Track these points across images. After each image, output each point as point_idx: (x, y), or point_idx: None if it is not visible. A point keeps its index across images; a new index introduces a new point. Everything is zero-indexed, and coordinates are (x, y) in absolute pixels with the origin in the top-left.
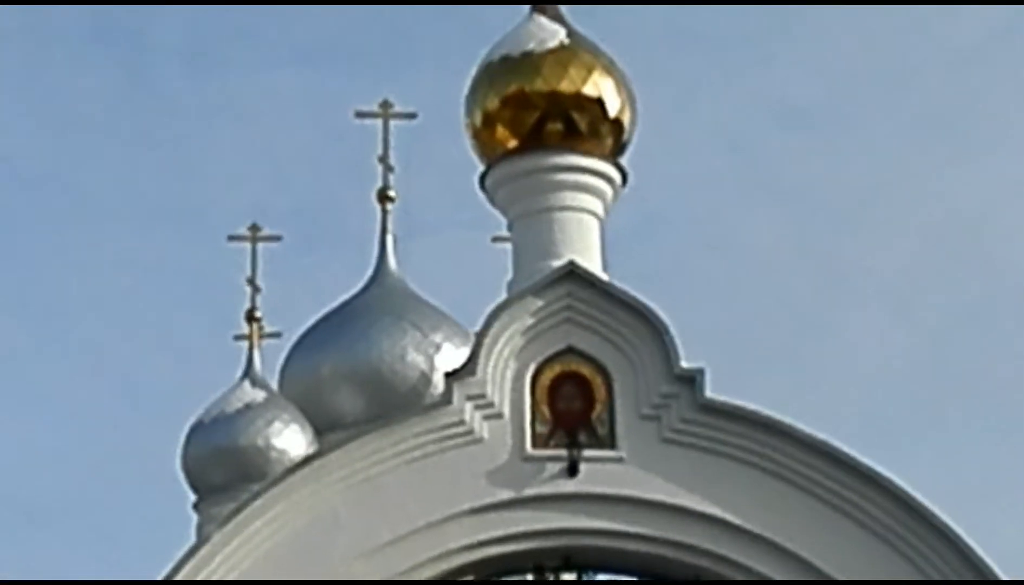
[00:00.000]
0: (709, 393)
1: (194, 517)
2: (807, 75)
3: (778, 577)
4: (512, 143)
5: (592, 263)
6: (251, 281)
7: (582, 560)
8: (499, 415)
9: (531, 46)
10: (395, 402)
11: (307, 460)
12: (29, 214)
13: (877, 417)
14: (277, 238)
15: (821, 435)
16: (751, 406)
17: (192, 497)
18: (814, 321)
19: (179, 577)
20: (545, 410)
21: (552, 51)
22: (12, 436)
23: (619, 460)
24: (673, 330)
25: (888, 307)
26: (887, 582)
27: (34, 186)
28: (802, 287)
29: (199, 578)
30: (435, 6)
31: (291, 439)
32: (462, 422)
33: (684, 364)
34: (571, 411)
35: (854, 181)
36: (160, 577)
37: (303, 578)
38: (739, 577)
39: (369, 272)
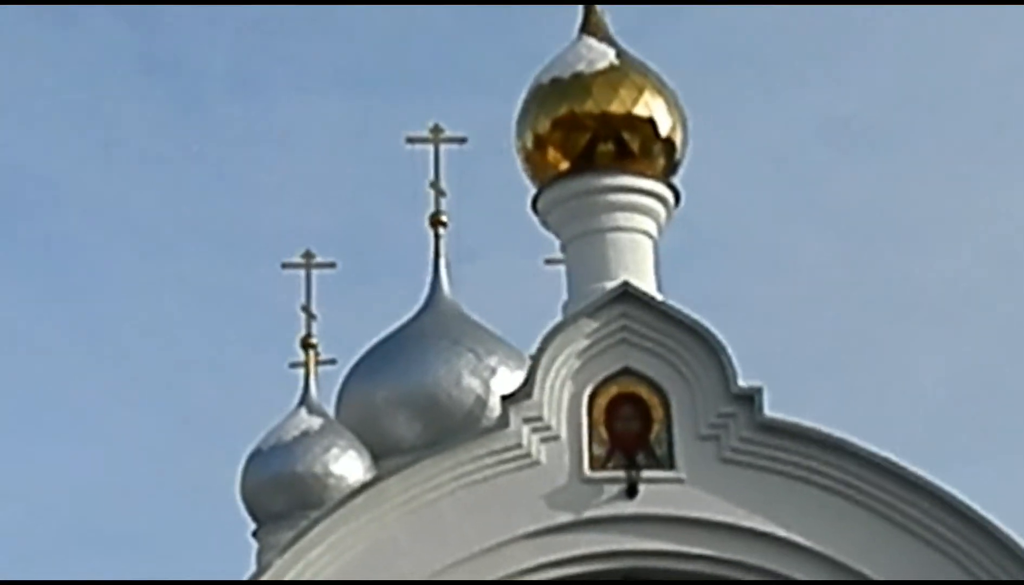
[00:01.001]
0: (767, 412)
1: (254, 545)
2: (855, 92)
3: None
4: (563, 165)
5: (646, 283)
6: (306, 308)
7: (642, 581)
8: (556, 437)
9: (581, 68)
10: (451, 426)
11: (365, 486)
12: (83, 244)
13: (935, 433)
14: (331, 265)
15: (880, 451)
16: (809, 424)
17: (252, 525)
18: (868, 338)
19: None
20: (602, 431)
21: (602, 72)
22: (72, 467)
23: (678, 481)
24: (729, 349)
25: (942, 321)
26: None
27: (88, 216)
28: (855, 304)
29: None
30: (483, 29)
31: (349, 465)
32: (519, 445)
33: (741, 383)
34: (629, 432)
35: (905, 196)
36: None
37: None
38: None
39: (423, 297)
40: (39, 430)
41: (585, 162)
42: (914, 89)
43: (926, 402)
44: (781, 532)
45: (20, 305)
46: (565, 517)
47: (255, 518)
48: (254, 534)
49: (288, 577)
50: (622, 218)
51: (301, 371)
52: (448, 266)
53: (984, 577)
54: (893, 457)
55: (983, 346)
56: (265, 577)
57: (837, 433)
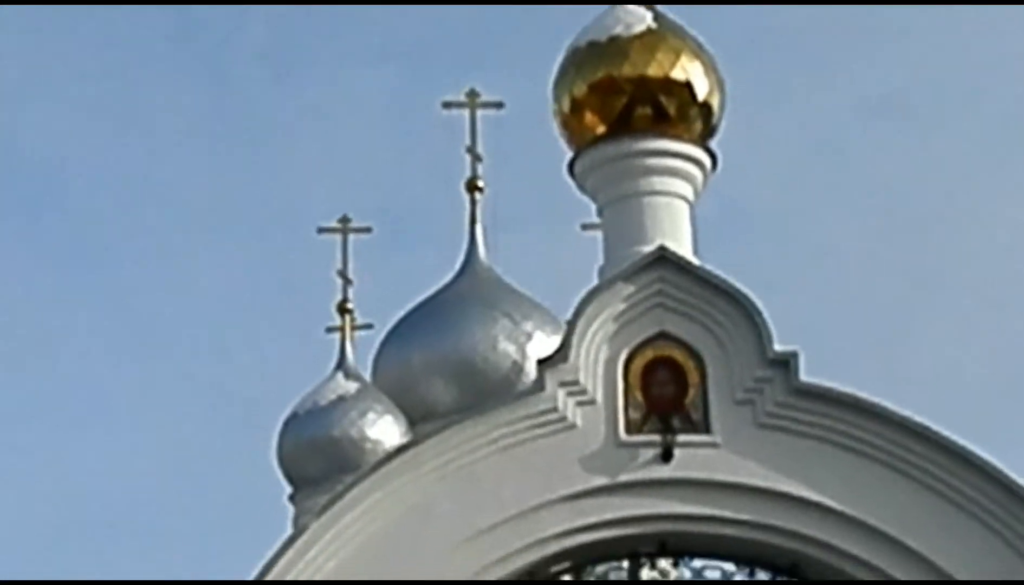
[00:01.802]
0: (803, 377)
1: (290, 509)
2: (896, 69)
3: (875, 561)
4: (600, 129)
5: (683, 248)
6: (342, 273)
7: (677, 546)
8: (592, 401)
9: (618, 31)
10: (487, 391)
11: (400, 450)
12: (120, 213)
13: (973, 401)
14: (367, 230)
15: (917, 418)
16: (846, 389)
17: (288, 489)
18: (906, 307)
19: (276, 568)
20: (638, 396)
21: (639, 35)
22: (110, 433)
23: (714, 445)
24: (765, 314)
25: (983, 292)
26: (985, 565)
27: (122, 184)
28: (893, 274)
29: (296, 569)
30: None
31: (385, 430)
32: (555, 409)
33: (777, 348)
34: (664, 396)
35: (944, 170)
36: (258, 569)
37: (399, 567)
38: (836, 561)
39: (459, 262)
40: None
41: (622, 126)
42: (954, 68)
43: (965, 373)
44: (816, 497)
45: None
46: (600, 481)
47: (291, 482)
48: (291, 498)
49: (324, 540)
50: (659, 182)
51: (337, 336)
52: (484, 231)
53: (1016, 543)
54: (929, 423)
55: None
56: (300, 541)
57: (874, 399)
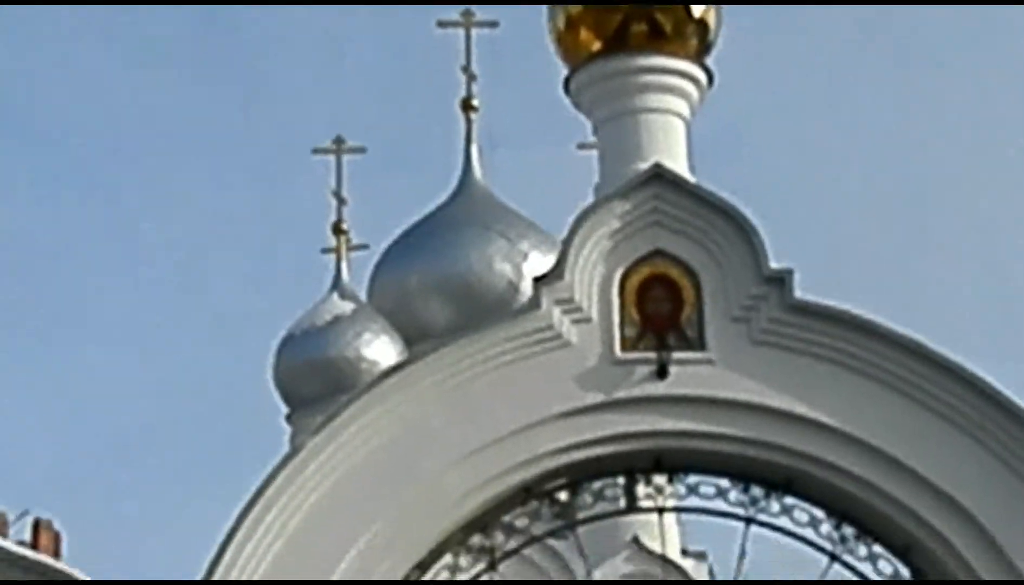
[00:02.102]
0: (798, 294)
1: (287, 429)
2: None
3: (869, 476)
4: (596, 46)
5: (679, 165)
6: (337, 194)
7: (672, 462)
8: (587, 319)
9: None
10: (483, 311)
11: (397, 368)
12: (117, 137)
13: (967, 319)
14: (362, 150)
15: (913, 334)
16: (841, 306)
17: (285, 409)
18: (901, 225)
19: (273, 486)
20: (634, 313)
21: None
22: (110, 355)
23: (709, 362)
24: (761, 231)
25: (977, 212)
26: (979, 480)
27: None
28: (887, 193)
29: (293, 487)
30: None
31: (381, 350)
32: (551, 327)
33: (773, 265)
34: (660, 314)
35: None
36: (254, 487)
37: (395, 485)
38: (830, 477)
39: (455, 182)
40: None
41: (617, 43)
42: None
43: (960, 290)
44: (811, 413)
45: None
46: (595, 398)
47: (288, 402)
48: (287, 418)
49: (321, 457)
50: (654, 99)
51: (332, 257)
52: (479, 151)
53: (1018, 465)
54: (925, 340)
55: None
56: (297, 458)
57: (868, 316)
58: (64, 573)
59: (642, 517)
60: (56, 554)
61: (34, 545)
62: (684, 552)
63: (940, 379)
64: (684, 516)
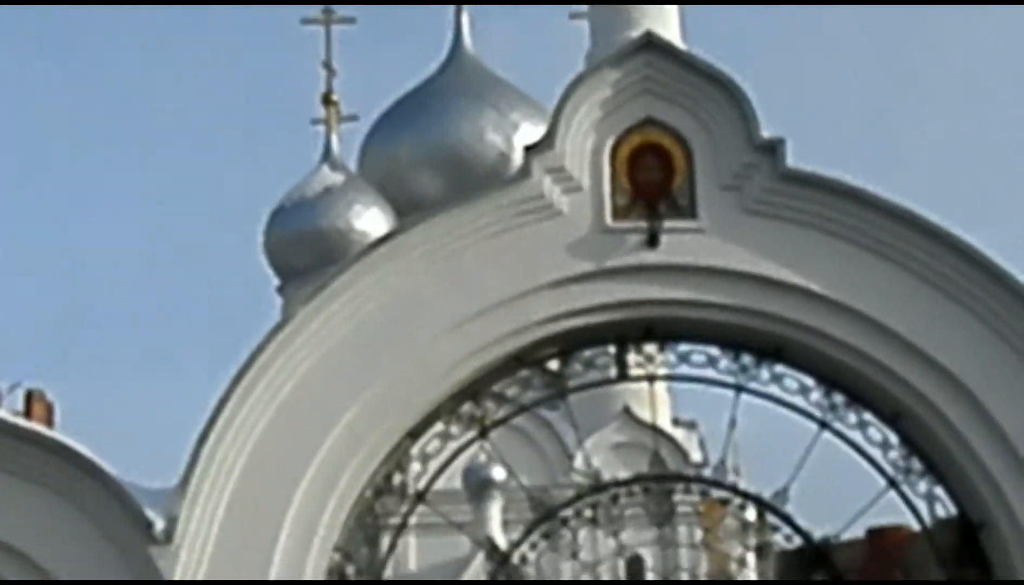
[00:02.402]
0: (790, 163)
1: (279, 301)
2: None
3: (858, 344)
4: None
5: (670, 33)
6: (326, 64)
7: (663, 330)
8: (578, 188)
9: None
10: (474, 182)
11: (387, 237)
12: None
13: (959, 189)
14: (351, 20)
15: (903, 202)
16: (832, 174)
17: (276, 281)
18: (893, 95)
19: (264, 355)
20: (625, 182)
21: None
22: (103, 226)
23: (699, 231)
24: (752, 100)
25: (969, 80)
26: (968, 348)
27: None
28: (881, 62)
29: (283, 356)
30: None
31: (372, 221)
32: (541, 196)
33: (764, 134)
34: (651, 182)
35: None
36: (246, 356)
37: (386, 354)
38: (820, 345)
39: (445, 52)
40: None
41: None
42: None
43: (951, 161)
44: (801, 281)
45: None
46: (586, 267)
47: (279, 274)
48: (279, 290)
49: (312, 326)
50: None
51: (322, 128)
52: (470, 21)
53: (996, 324)
54: (916, 208)
55: (1010, 108)
56: (288, 327)
57: (859, 184)
58: (58, 441)
59: (633, 387)
60: (49, 424)
61: (27, 415)
62: (675, 422)
63: (932, 247)
64: (675, 386)
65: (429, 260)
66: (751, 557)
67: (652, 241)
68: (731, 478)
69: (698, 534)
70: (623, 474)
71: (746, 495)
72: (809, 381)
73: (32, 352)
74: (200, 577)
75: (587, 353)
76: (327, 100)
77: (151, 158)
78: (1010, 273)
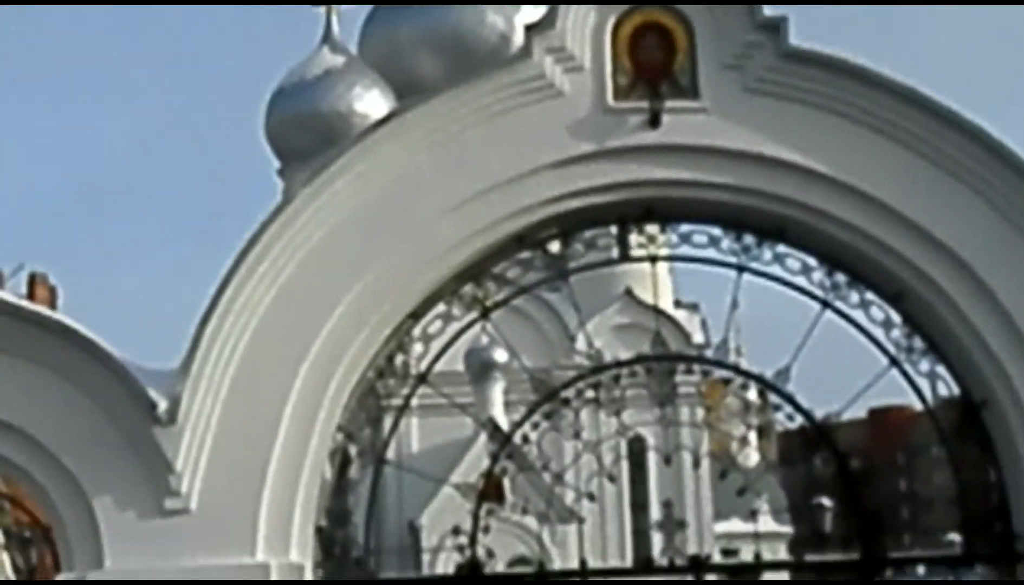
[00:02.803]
0: (793, 41)
1: (279, 184)
2: None
3: (861, 224)
4: None
5: None
6: None
7: (665, 211)
8: (579, 68)
9: None
10: (475, 63)
11: (388, 118)
12: None
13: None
14: None
15: (908, 82)
16: (835, 53)
17: (277, 164)
18: None
19: (264, 238)
20: (626, 61)
21: None
22: (106, 109)
23: (702, 110)
24: None
25: None
26: (972, 228)
27: None
28: None
29: (284, 239)
30: None
31: (372, 103)
32: (542, 76)
33: (767, 12)
34: (652, 62)
35: None
36: (247, 238)
37: (387, 236)
38: (822, 225)
39: None
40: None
41: None
42: None
43: (957, 41)
44: (804, 161)
45: None
46: (587, 147)
47: (280, 157)
48: (279, 173)
49: (312, 208)
50: None
51: (323, 10)
52: None
53: (1009, 210)
54: (921, 88)
55: None
56: (288, 209)
57: (863, 63)
58: (61, 323)
59: (635, 269)
60: (52, 308)
61: (30, 299)
62: (677, 304)
63: (935, 126)
64: (677, 269)
65: (430, 141)
66: (753, 437)
67: (654, 121)
68: (733, 359)
69: (700, 414)
70: (625, 355)
71: (748, 375)
72: (811, 261)
73: (35, 236)
74: (204, 457)
75: (588, 234)
76: None
77: (152, 41)
78: (1014, 151)
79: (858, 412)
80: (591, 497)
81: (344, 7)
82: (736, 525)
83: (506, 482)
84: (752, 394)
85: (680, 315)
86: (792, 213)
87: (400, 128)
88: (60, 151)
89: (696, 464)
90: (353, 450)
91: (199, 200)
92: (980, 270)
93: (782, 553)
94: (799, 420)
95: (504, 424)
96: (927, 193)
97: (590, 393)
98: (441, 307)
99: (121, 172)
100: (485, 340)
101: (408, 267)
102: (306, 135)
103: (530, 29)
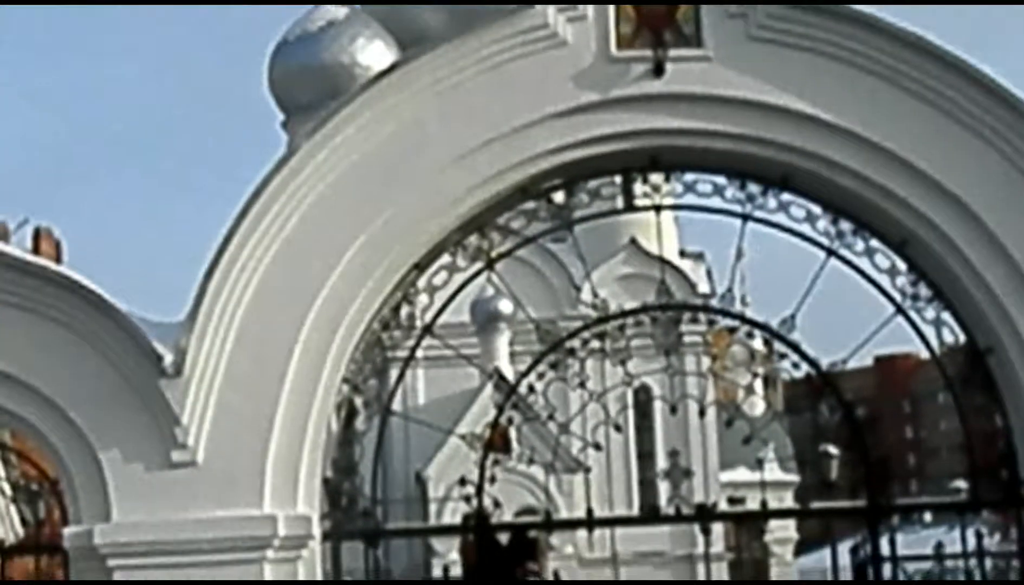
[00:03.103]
0: None
1: (284, 136)
2: None
3: (867, 172)
4: None
5: None
6: None
7: (669, 160)
8: (582, 17)
9: None
10: (478, 15)
11: (391, 69)
12: None
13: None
14: None
15: (915, 29)
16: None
17: (281, 117)
18: None
19: (268, 189)
20: (629, 10)
21: None
22: (108, 62)
23: (705, 59)
24: None
25: None
26: (976, 170)
27: None
28: None
29: (288, 190)
30: None
31: (375, 54)
32: (546, 25)
33: None
34: (656, 11)
35: None
36: (250, 190)
37: (391, 186)
38: (827, 173)
39: None
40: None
41: None
42: None
43: None
44: (809, 109)
45: None
46: (591, 96)
47: (284, 109)
48: (283, 125)
49: (316, 159)
50: None
51: None
52: None
53: (1015, 156)
54: (929, 36)
55: None
56: (292, 160)
57: (869, 10)
58: (66, 276)
59: (640, 219)
60: (57, 262)
61: (35, 253)
62: (682, 253)
63: (939, 72)
64: (682, 219)
65: (433, 92)
66: (759, 385)
67: (658, 70)
68: (738, 308)
69: (706, 363)
70: (630, 305)
71: (753, 323)
72: (816, 209)
73: (39, 190)
74: (210, 410)
75: (593, 184)
76: None
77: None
78: (1019, 97)
79: (864, 360)
80: (597, 447)
81: None
82: (742, 474)
83: (512, 432)
84: (758, 343)
85: (685, 265)
86: (797, 161)
87: (403, 79)
88: (64, 103)
89: (702, 413)
90: (359, 402)
91: (204, 153)
92: (986, 217)
93: (788, 501)
94: (805, 368)
95: (510, 375)
96: (933, 140)
97: (595, 343)
98: (446, 258)
99: (125, 126)
100: (490, 291)
101: (412, 218)
102: (309, 87)
103: None
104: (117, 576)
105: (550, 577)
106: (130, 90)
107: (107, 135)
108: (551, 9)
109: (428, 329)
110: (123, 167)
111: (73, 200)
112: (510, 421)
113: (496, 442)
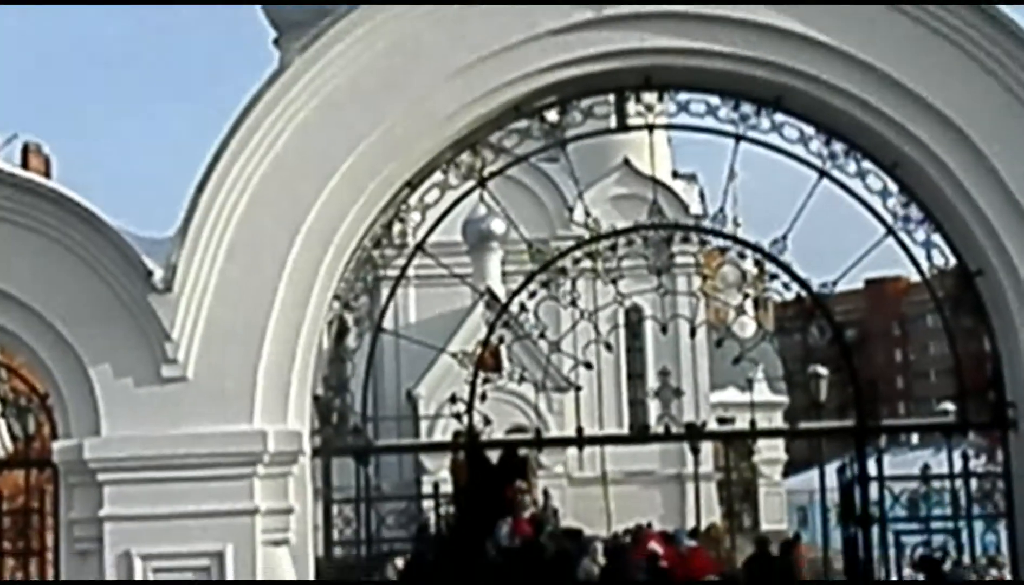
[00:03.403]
0: None
1: (276, 53)
2: None
3: (861, 93)
4: None
5: None
6: None
7: (663, 79)
8: None
9: None
10: None
11: None
12: None
13: None
14: None
15: None
16: None
17: (273, 35)
18: None
19: (259, 105)
20: None
21: None
22: None
23: None
24: None
25: None
26: (968, 93)
27: None
28: None
29: (279, 106)
30: None
31: None
32: None
33: None
34: None
35: None
36: (241, 106)
37: (384, 103)
38: (821, 93)
39: None
40: None
41: None
42: None
43: None
44: (803, 29)
45: None
46: (586, 14)
47: (276, 27)
48: (275, 43)
49: (308, 75)
50: None
51: None
52: None
53: (1008, 79)
54: None
55: None
56: (284, 76)
57: None
58: (56, 190)
59: (633, 140)
60: (47, 177)
61: (24, 168)
62: (675, 174)
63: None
64: (675, 140)
65: (427, 8)
66: (749, 306)
67: None
68: (730, 229)
69: (697, 284)
70: (622, 225)
71: (745, 243)
72: (809, 130)
73: (28, 106)
74: (200, 325)
75: (586, 103)
76: None
77: None
78: (1013, 19)
79: (854, 282)
80: (588, 365)
81: None
82: (732, 394)
83: (503, 351)
84: (749, 264)
85: (678, 185)
86: (790, 81)
87: None
88: (53, 17)
89: (692, 333)
90: (350, 319)
91: (195, 70)
92: (978, 139)
93: (778, 422)
94: (796, 290)
95: (501, 294)
96: (926, 62)
97: (587, 262)
98: (438, 176)
99: (117, 40)
100: (483, 210)
101: (405, 135)
102: (302, 4)
103: None
104: (107, 491)
105: (540, 495)
106: (123, 7)
107: (98, 50)
108: None
109: (420, 247)
110: (115, 82)
111: (63, 115)
112: (501, 340)
113: (487, 360)
